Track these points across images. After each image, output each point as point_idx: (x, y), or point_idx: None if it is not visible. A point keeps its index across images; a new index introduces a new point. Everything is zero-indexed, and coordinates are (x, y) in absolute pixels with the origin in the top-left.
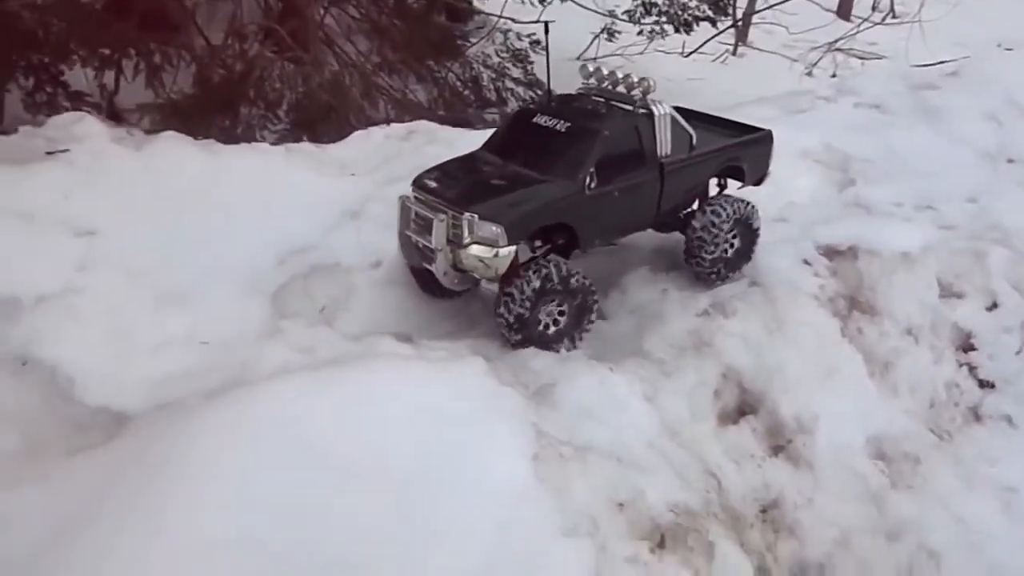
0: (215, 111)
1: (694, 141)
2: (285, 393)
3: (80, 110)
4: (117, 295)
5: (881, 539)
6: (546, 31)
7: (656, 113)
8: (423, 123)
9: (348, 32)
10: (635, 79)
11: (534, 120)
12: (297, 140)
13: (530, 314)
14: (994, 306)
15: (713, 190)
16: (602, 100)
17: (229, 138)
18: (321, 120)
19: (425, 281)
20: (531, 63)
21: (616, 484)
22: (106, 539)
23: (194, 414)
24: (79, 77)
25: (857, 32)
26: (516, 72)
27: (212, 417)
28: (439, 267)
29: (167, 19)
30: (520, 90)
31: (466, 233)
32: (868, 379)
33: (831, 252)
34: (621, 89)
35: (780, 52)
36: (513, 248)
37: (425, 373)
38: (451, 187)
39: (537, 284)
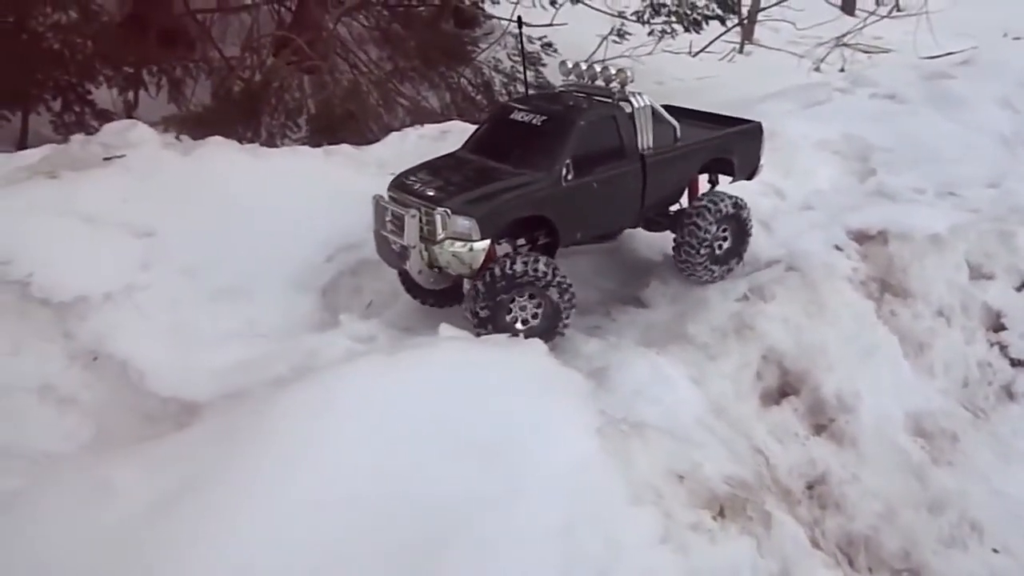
0: (236, 122)
1: (678, 133)
2: (364, 373)
3: None
4: (177, 291)
5: (924, 512)
6: (519, 26)
7: (635, 105)
8: (457, 123)
9: (360, 41)
10: (612, 71)
11: (511, 117)
12: (317, 147)
13: (496, 308)
14: (1023, 286)
15: (705, 187)
16: (581, 95)
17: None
18: (340, 128)
19: (410, 286)
20: (543, 65)
21: (674, 457)
22: (207, 507)
23: (281, 393)
24: (102, 95)
25: (864, 26)
26: (528, 75)
27: (300, 395)
28: (413, 265)
29: (184, 34)
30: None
31: (439, 228)
32: (904, 359)
33: (861, 237)
34: (600, 83)
35: (786, 49)
36: (487, 242)
37: (490, 354)
38: (424, 184)
39: (504, 274)
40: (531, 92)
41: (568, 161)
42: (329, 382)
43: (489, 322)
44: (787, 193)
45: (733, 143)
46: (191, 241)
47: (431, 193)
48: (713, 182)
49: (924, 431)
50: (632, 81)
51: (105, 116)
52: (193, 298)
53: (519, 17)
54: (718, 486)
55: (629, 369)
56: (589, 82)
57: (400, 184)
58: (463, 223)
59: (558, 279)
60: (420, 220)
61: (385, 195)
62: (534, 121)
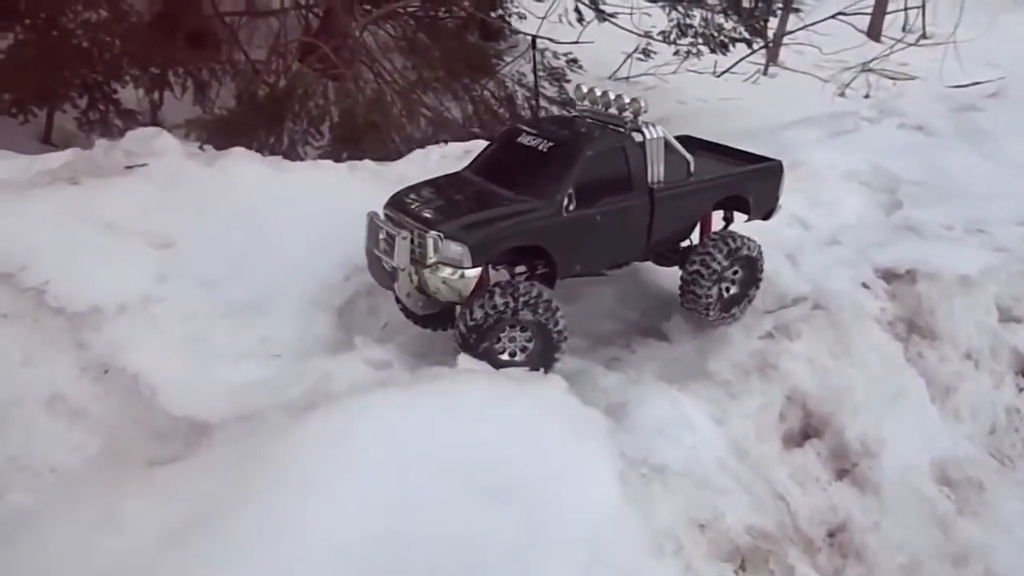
0: (260, 126)
1: (692, 168)
2: (382, 405)
3: (131, 128)
4: (192, 305)
5: (948, 565)
6: (533, 46)
7: (647, 136)
8: (479, 143)
9: (385, 50)
10: (626, 100)
11: (519, 140)
12: (339, 156)
13: (484, 338)
14: None
15: (719, 224)
16: (592, 121)
17: (273, 153)
18: (363, 137)
19: (404, 306)
20: (567, 81)
21: (696, 505)
22: (219, 542)
23: (297, 422)
24: (127, 94)
25: (890, 53)
26: (551, 91)
27: (317, 425)
28: (401, 288)
29: (211, 36)
30: (554, 108)
31: (430, 252)
32: (931, 404)
33: (889, 275)
34: (613, 111)
35: (811, 72)
36: (478, 271)
37: (510, 390)
38: (420, 205)
39: (492, 305)
40: (544, 115)
41: (571, 191)
42: (346, 414)
43: (475, 351)
44: (812, 224)
45: (749, 181)
46: (209, 254)
47: (426, 215)
48: (728, 219)
49: (949, 479)
50: (645, 111)
51: (129, 115)
52: (208, 313)
53: (533, 39)
54: (740, 536)
55: (649, 406)
56: (603, 109)
57: (396, 202)
58: (455, 249)
59: (545, 313)
60: (412, 242)
61: (380, 212)
62: (540, 147)
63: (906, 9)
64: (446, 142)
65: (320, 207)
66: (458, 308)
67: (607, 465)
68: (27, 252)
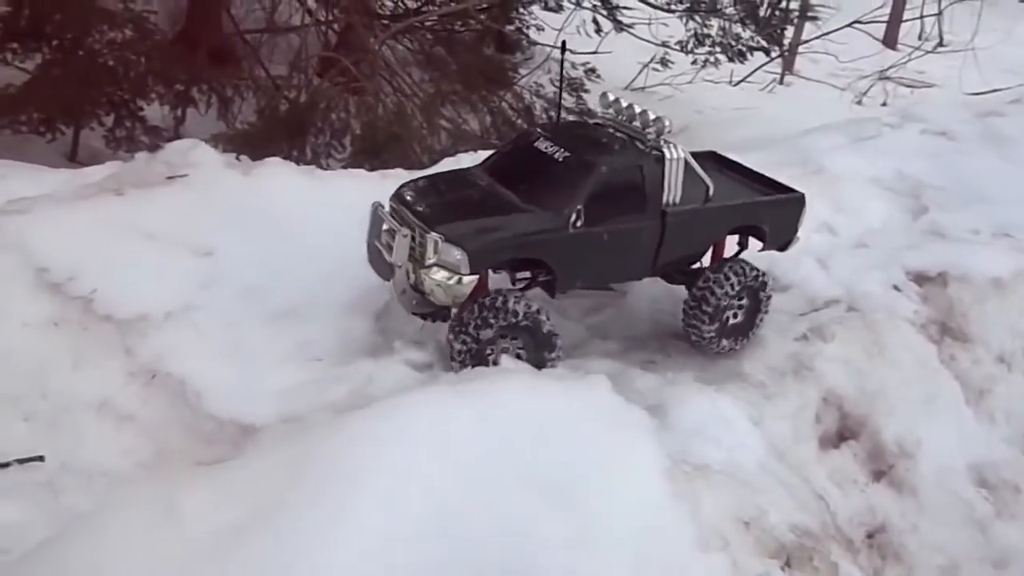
0: (282, 140)
1: (710, 193)
2: (430, 403)
3: (158, 146)
4: (234, 312)
5: (988, 567)
6: (562, 51)
7: (667, 156)
8: None
9: (403, 63)
10: (651, 117)
11: (535, 144)
12: (360, 168)
13: (478, 350)
14: None
15: (734, 249)
16: (613, 133)
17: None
18: (384, 149)
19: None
20: (586, 91)
21: (739, 502)
22: (276, 538)
23: (346, 421)
24: (152, 111)
25: (908, 60)
26: (569, 101)
27: (366, 424)
28: (396, 284)
29: (232, 53)
30: (572, 119)
31: (429, 253)
32: (965, 406)
33: (921, 278)
34: (636, 125)
35: (827, 81)
36: (475, 278)
37: (556, 389)
38: (426, 201)
39: (481, 318)
40: (567, 119)
41: (580, 207)
42: (395, 412)
43: (467, 358)
44: (839, 229)
45: (767, 211)
46: (249, 262)
47: (429, 213)
48: (742, 245)
49: (986, 482)
50: (670, 131)
51: (156, 132)
52: (249, 319)
53: (563, 42)
54: (784, 534)
55: (687, 406)
56: (627, 121)
57: (402, 197)
58: (454, 254)
59: (530, 322)
60: (413, 240)
61: (386, 204)
62: (556, 154)
63: (922, 17)
64: (475, 150)
65: (354, 214)
66: (450, 324)
67: (654, 462)
68: (75, 262)
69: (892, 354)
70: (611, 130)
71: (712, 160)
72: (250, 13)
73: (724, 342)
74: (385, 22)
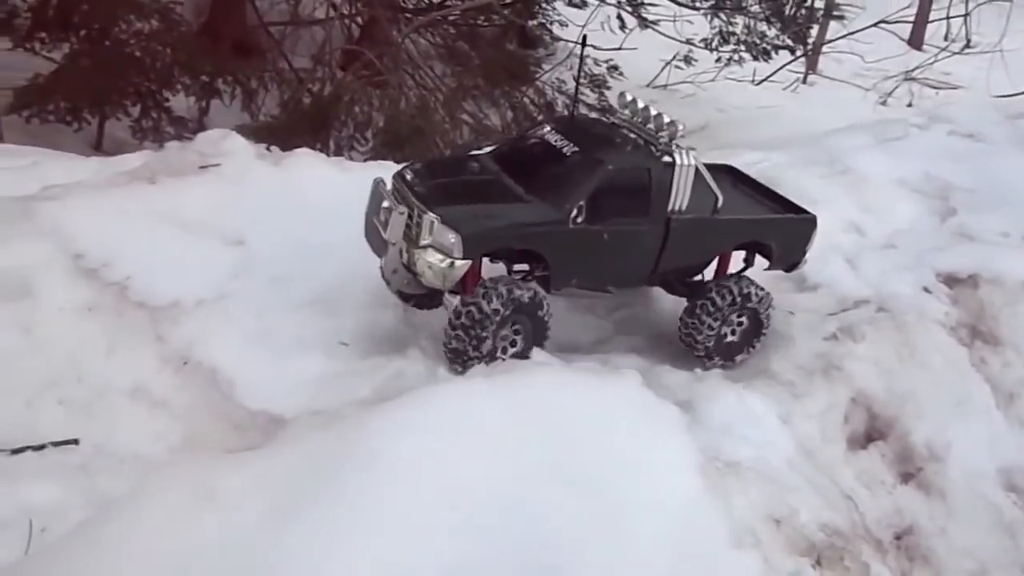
0: (306, 133)
1: (719, 204)
2: (465, 395)
3: (183, 137)
4: (265, 302)
5: (1017, 573)
6: (583, 45)
7: (678, 161)
8: None
9: (425, 57)
10: (665, 120)
11: (545, 137)
12: (383, 160)
13: (484, 349)
14: None
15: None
16: (625, 134)
17: None
18: (407, 143)
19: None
20: (608, 88)
21: (770, 500)
22: (315, 525)
23: (381, 411)
24: (177, 102)
25: (934, 61)
26: (591, 98)
27: (401, 413)
28: (388, 263)
29: (256, 46)
30: (593, 115)
31: (425, 234)
32: (995, 409)
33: (951, 280)
34: (651, 127)
35: (851, 81)
36: (468, 263)
37: (587, 383)
38: (427, 183)
39: (488, 309)
40: (583, 115)
41: (582, 203)
42: (427, 403)
43: (477, 357)
44: (866, 230)
45: (776, 230)
46: (279, 252)
47: (428, 194)
48: (748, 263)
49: (1016, 487)
50: (682, 136)
51: (181, 123)
52: (280, 309)
53: (584, 36)
54: (814, 533)
55: (716, 403)
56: (642, 123)
57: (404, 176)
58: (448, 237)
59: (534, 304)
60: (410, 219)
61: (388, 182)
62: (564, 148)
63: (949, 18)
64: (496, 145)
65: None
66: (448, 316)
67: (687, 457)
68: (110, 248)
69: (922, 356)
70: (624, 130)
71: (728, 174)
72: (274, 6)
73: (715, 358)
74: (408, 15)
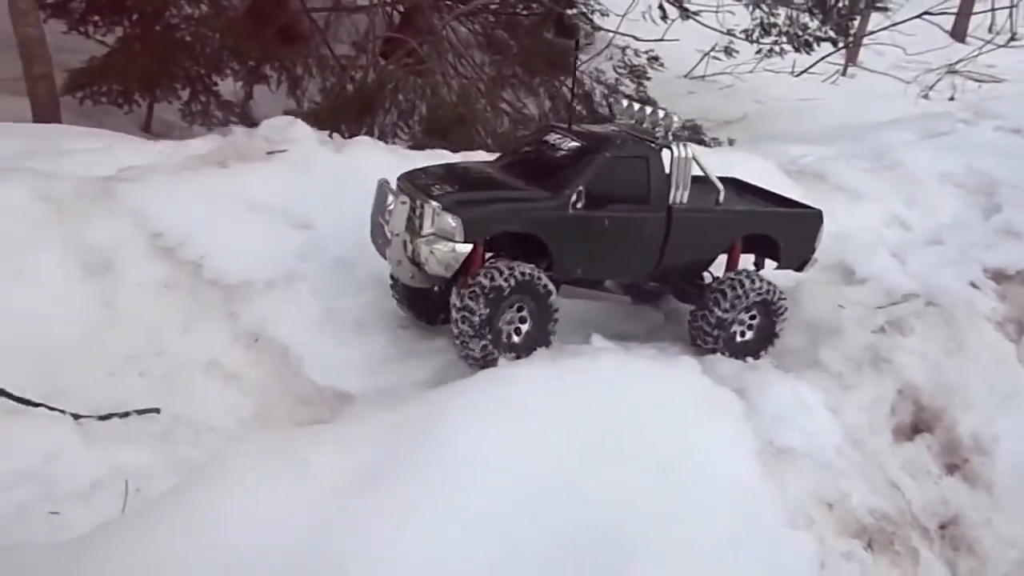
0: (350, 119)
1: (720, 198)
2: (531, 378)
3: (229, 121)
4: (329, 284)
5: None
6: (576, 47)
7: (675, 153)
8: None
9: (465, 46)
10: (660, 115)
11: (545, 138)
12: (425, 149)
13: (491, 329)
14: None
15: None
16: (625, 133)
17: None
18: (449, 131)
19: (400, 297)
20: (648, 79)
21: (822, 485)
22: (396, 498)
23: (444, 393)
24: (222, 87)
25: (979, 54)
26: (629, 88)
27: (472, 394)
28: (393, 255)
29: (299, 32)
30: (633, 106)
31: (427, 222)
32: None
33: (999, 276)
34: (647, 126)
35: (891, 73)
36: (469, 247)
37: (647, 368)
38: (430, 181)
39: (490, 286)
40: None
41: (581, 188)
42: (494, 385)
43: (486, 344)
44: (911, 224)
45: (780, 223)
46: (342, 236)
47: (430, 187)
48: (758, 265)
49: None
50: (679, 127)
51: (228, 107)
52: (343, 291)
53: (576, 40)
54: (864, 517)
55: (768, 393)
56: (638, 123)
57: (409, 175)
58: (450, 222)
59: (534, 282)
60: (412, 210)
61: (393, 183)
62: (563, 146)
63: (993, 10)
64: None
65: None
66: (453, 306)
67: (744, 442)
68: (184, 228)
69: (970, 350)
70: (624, 131)
71: (732, 184)
72: None
73: (732, 356)
74: (449, 3)
